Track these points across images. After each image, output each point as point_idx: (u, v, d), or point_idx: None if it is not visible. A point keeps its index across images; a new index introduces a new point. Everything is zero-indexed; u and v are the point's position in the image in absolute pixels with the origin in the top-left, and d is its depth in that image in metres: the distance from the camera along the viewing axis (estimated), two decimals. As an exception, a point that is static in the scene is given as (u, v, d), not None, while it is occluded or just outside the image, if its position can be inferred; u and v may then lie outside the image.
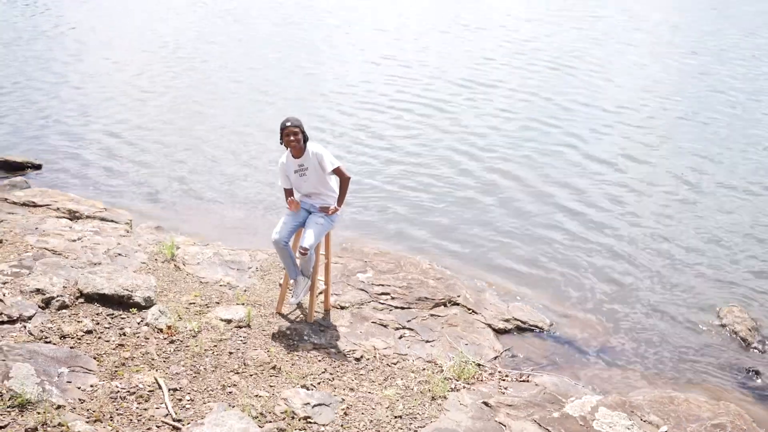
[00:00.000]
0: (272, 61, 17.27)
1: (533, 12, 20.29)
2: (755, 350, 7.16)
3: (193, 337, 6.04)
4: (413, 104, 14.72)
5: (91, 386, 5.18)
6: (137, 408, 5.02)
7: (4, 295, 6.13)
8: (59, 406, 4.88)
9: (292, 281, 6.51)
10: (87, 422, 4.76)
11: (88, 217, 8.63)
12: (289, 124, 6.02)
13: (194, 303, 6.68)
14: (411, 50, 19.05)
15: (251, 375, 5.62)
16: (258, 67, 16.86)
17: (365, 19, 21.39)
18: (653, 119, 14.29)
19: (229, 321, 6.38)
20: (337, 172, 6.20)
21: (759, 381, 6.70)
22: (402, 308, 7.17)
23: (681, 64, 18.99)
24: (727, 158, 12.30)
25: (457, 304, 7.41)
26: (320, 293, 6.94)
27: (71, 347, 5.60)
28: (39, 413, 4.71)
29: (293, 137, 6.04)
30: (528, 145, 12.64)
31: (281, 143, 6.16)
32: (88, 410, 4.92)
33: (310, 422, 5.17)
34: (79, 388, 5.14)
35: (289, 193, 6.35)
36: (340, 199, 6.29)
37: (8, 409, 4.72)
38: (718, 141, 13.14)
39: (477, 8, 21.16)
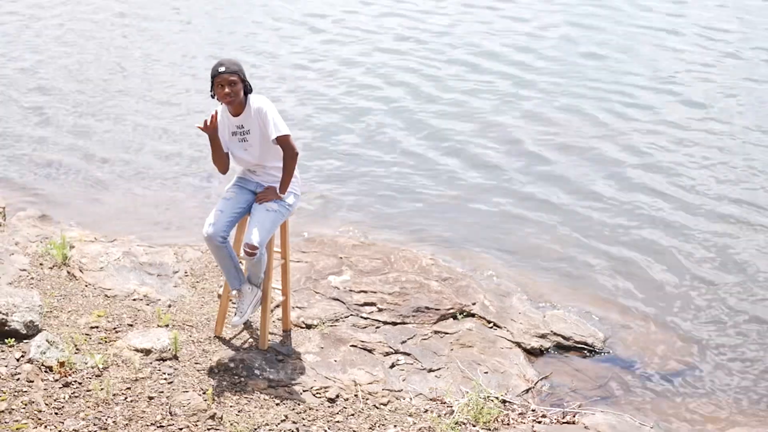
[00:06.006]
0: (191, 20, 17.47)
1: None
2: None
3: (97, 376, 6.02)
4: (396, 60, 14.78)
5: (-47, 454, 5.18)
6: (19, 483, 5.03)
7: None
8: None
9: (234, 292, 6.50)
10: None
11: (-59, 205, 8.59)
12: (222, 69, 5.91)
13: (97, 327, 6.66)
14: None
15: (180, 429, 5.62)
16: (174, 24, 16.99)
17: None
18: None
19: (147, 351, 6.37)
20: (281, 141, 6.10)
21: None
22: (394, 324, 7.19)
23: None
24: None
25: (472, 315, 7.45)
26: (276, 307, 6.94)
27: None
28: None
29: (228, 88, 5.93)
30: (564, 98, 12.75)
31: (212, 96, 6.10)
32: (-52, 489, 4.92)
33: (267, 494, 5.19)
34: (-65, 456, 5.14)
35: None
36: (285, 182, 6.20)
37: None
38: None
39: None
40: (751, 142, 11.49)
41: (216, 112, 6.08)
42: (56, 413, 5.63)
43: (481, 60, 14.79)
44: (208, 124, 5.99)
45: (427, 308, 7.39)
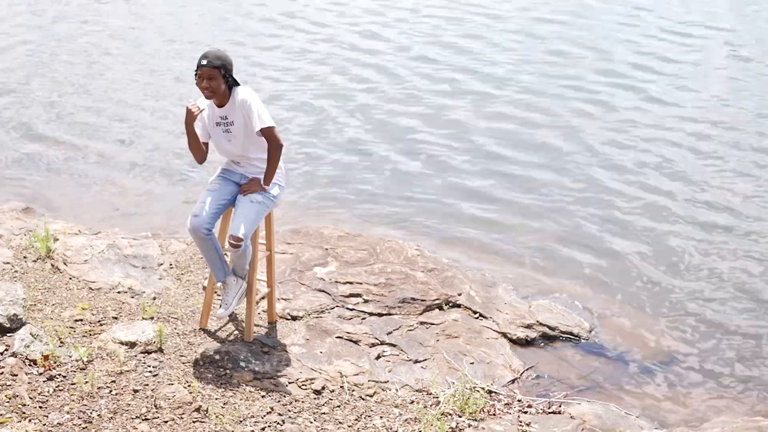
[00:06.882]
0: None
1: None
2: None
3: (82, 369, 6.00)
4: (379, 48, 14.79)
5: (-64, 448, 5.16)
6: (3, 477, 5.01)
7: None
8: None
9: (219, 284, 6.48)
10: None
11: (-77, 198, 8.55)
12: (204, 62, 5.88)
13: (82, 320, 6.64)
14: None
15: (166, 422, 5.61)
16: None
17: None
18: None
19: (132, 344, 6.35)
20: (266, 134, 6.08)
21: None
22: (380, 315, 7.19)
23: None
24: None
25: (458, 306, 7.45)
26: (261, 299, 6.92)
27: None
28: None
29: (207, 82, 5.89)
30: (555, 81, 12.73)
31: (197, 84, 6.06)
32: (-69, 484, 4.90)
33: (252, 486, 5.19)
34: None
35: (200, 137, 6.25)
36: (269, 174, 6.19)
37: None
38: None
39: None
40: (725, 134, 11.61)
41: (198, 107, 6.00)
42: (40, 407, 5.60)
43: (438, 52, 15.03)
44: (194, 112, 5.94)
45: (412, 299, 7.39)
